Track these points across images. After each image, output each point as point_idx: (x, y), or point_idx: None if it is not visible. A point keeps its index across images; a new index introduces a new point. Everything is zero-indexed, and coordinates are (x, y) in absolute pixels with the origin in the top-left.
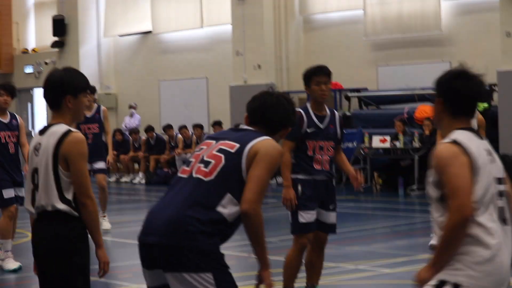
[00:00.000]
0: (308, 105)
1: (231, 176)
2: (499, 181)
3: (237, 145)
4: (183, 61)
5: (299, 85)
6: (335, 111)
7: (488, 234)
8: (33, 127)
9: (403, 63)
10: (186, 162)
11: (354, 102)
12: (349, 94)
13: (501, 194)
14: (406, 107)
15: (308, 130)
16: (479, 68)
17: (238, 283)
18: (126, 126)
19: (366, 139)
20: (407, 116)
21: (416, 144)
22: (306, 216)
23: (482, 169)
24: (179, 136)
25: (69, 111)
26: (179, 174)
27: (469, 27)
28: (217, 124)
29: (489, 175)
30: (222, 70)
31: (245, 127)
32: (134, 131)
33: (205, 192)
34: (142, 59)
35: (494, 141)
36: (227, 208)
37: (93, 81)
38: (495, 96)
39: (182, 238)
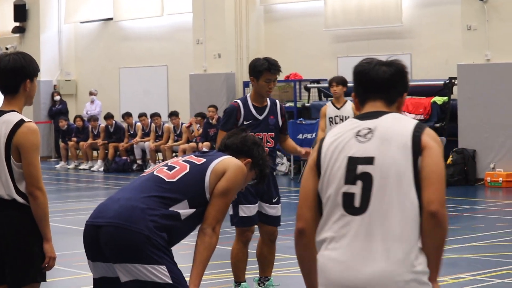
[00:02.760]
0: (248, 97)
1: (193, 185)
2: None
3: (204, 160)
4: (143, 48)
5: None
6: (276, 101)
7: None
8: None
9: (363, 55)
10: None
11: (314, 93)
12: (309, 85)
13: None
14: None
15: (245, 123)
16: (440, 61)
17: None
18: (87, 113)
19: None
20: None
21: None
22: (247, 210)
23: None
24: (138, 124)
25: (24, 96)
26: (138, 176)
27: (430, 19)
28: (173, 114)
29: None
30: (182, 58)
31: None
32: (93, 118)
33: (163, 190)
34: (102, 46)
35: (453, 135)
36: (181, 209)
37: (53, 67)
38: (455, 89)
39: (132, 222)
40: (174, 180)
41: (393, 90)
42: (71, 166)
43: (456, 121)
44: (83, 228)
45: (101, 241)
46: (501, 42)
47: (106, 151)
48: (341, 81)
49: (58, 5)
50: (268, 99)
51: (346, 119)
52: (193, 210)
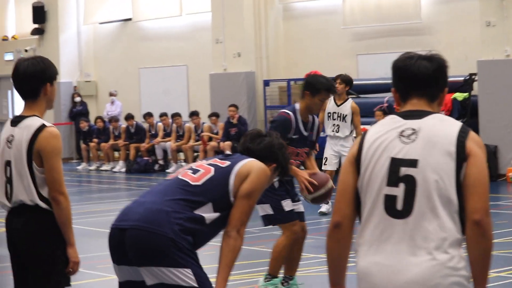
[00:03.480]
0: (297, 109)
1: (217, 187)
2: None
3: (228, 163)
4: (162, 48)
5: (279, 73)
6: (315, 117)
7: None
8: (13, 114)
9: (383, 52)
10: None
11: None
12: None
13: None
14: (386, 96)
15: (293, 137)
16: (459, 57)
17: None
18: (108, 114)
19: None
20: (387, 105)
21: None
22: (289, 204)
23: None
24: (159, 124)
25: (45, 100)
26: (164, 179)
27: (449, 16)
28: (194, 114)
29: None
30: (201, 58)
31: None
32: (114, 119)
33: (188, 193)
34: (122, 46)
35: (474, 131)
36: (206, 212)
37: (73, 68)
38: (475, 85)
39: (158, 225)
40: (199, 183)
41: (435, 85)
42: (93, 167)
43: (477, 117)
44: (108, 231)
45: (126, 244)
46: None
47: (128, 151)
48: (346, 80)
49: (77, 6)
50: (309, 115)
51: (344, 117)
52: (217, 214)
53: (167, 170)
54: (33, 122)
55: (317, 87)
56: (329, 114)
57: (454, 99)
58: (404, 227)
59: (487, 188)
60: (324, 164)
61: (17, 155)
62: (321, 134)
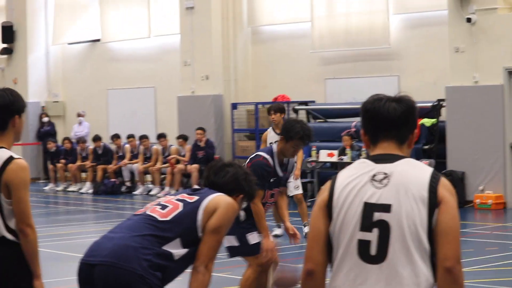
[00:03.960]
0: (274, 152)
1: (185, 223)
2: None
3: (196, 197)
4: (131, 70)
5: (247, 96)
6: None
7: None
8: None
9: (351, 76)
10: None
11: (302, 115)
12: (297, 107)
13: None
14: (354, 121)
15: (271, 180)
16: (428, 83)
17: None
18: (75, 134)
19: (314, 153)
20: (354, 130)
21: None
22: (254, 237)
23: None
24: (127, 146)
25: (13, 132)
26: (133, 213)
27: (418, 41)
28: (162, 136)
29: None
30: (170, 80)
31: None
32: (81, 140)
33: (156, 229)
34: (90, 67)
35: (442, 156)
36: (174, 248)
37: (41, 88)
38: (443, 111)
39: (126, 261)
40: (168, 218)
41: (405, 127)
42: (60, 188)
43: (444, 143)
44: (73, 255)
45: (95, 279)
46: (489, 64)
47: (95, 173)
48: (279, 108)
49: (45, 26)
50: None
51: None
52: (186, 250)
53: (134, 192)
54: (1, 154)
55: (290, 134)
56: (271, 144)
57: (422, 124)
58: (379, 273)
59: (459, 235)
60: None
61: None
62: None
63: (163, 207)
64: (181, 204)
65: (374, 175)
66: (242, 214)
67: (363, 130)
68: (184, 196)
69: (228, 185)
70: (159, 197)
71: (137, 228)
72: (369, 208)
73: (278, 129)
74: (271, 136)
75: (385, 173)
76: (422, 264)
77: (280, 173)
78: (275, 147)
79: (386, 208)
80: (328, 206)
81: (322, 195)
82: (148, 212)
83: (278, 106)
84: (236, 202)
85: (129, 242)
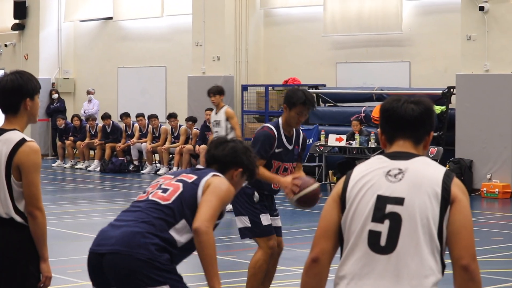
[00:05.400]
0: (280, 123)
1: (187, 203)
2: None
3: (195, 177)
4: (142, 49)
5: (257, 78)
6: (300, 131)
7: None
8: None
9: (362, 61)
10: (143, 191)
11: None
12: (307, 90)
13: None
14: (364, 106)
15: (276, 150)
16: (438, 70)
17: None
18: (85, 112)
19: (322, 137)
20: (364, 115)
21: (372, 144)
22: (267, 219)
23: None
24: (136, 125)
25: (26, 114)
26: (136, 199)
27: (430, 28)
28: (172, 116)
29: None
30: (181, 60)
31: (202, 167)
32: (91, 117)
33: (160, 214)
34: (101, 45)
35: (451, 144)
36: (179, 233)
37: (52, 65)
38: (453, 99)
39: (134, 247)
40: (170, 201)
41: (422, 128)
42: (68, 165)
43: (453, 131)
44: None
45: (104, 268)
46: (500, 53)
47: (103, 151)
48: (217, 91)
49: (58, 3)
50: (294, 129)
51: (220, 123)
52: (190, 236)
53: (142, 171)
54: (13, 136)
55: (293, 100)
56: (213, 123)
57: None
58: (387, 263)
59: (472, 233)
60: None
61: None
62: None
63: (164, 190)
64: (181, 185)
65: (389, 171)
66: (256, 195)
67: (380, 130)
68: (184, 176)
69: (226, 157)
70: (159, 179)
71: (142, 215)
72: (382, 201)
73: (217, 109)
74: (212, 116)
75: (400, 169)
76: (431, 258)
77: (289, 146)
78: (280, 119)
79: (399, 201)
80: (342, 198)
81: (336, 188)
82: (151, 198)
83: (217, 89)
84: (235, 176)
85: (135, 228)
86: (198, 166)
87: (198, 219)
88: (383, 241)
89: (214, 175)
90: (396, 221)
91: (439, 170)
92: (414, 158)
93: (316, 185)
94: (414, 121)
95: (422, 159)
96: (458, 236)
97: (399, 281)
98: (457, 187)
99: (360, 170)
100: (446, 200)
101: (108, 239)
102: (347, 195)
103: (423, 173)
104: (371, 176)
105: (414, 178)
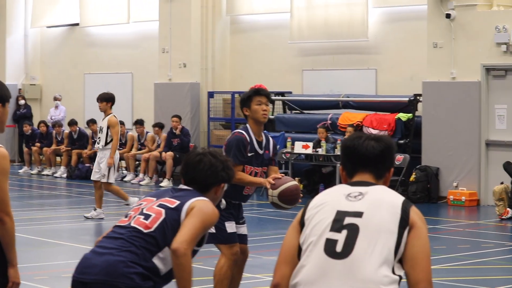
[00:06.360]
0: (249, 128)
1: (170, 231)
2: None
3: (177, 202)
4: (109, 55)
5: (223, 85)
6: (269, 137)
7: None
8: None
9: (328, 68)
10: (125, 215)
11: (278, 106)
12: (273, 97)
13: None
14: (330, 113)
15: (249, 155)
16: (405, 77)
17: None
18: (51, 118)
19: (289, 144)
20: (330, 122)
21: (338, 151)
22: (232, 226)
23: None
24: None
25: None
26: (117, 224)
27: (397, 35)
28: (138, 123)
29: None
30: (147, 66)
31: (184, 187)
32: (57, 123)
33: (143, 242)
34: (68, 51)
35: (417, 152)
36: (162, 261)
37: (18, 71)
38: (420, 106)
39: (118, 277)
40: (152, 229)
41: (382, 165)
42: (34, 171)
43: (420, 138)
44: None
45: None
46: (467, 61)
47: (70, 157)
48: (104, 98)
49: (25, 9)
50: (263, 134)
51: (101, 130)
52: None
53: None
54: None
55: (245, 97)
56: (98, 129)
57: (398, 119)
58: (342, 268)
59: (430, 260)
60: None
61: None
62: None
63: (146, 216)
64: (163, 211)
65: (349, 193)
66: (223, 202)
67: (342, 166)
68: (166, 200)
69: (208, 179)
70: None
71: (125, 243)
72: (341, 214)
73: (104, 115)
74: (100, 122)
75: (360, 192)
76: (386, 267)
77: (259, 150)
78: (248, 125)
79: (358, 214)
80: (301, 222)
81: (297, 216)
82: (133, 224)
83: (104, 95)
84: (218, 192)
85: (118, 257)
86: (181, 187)
87: (177, 240)
88: (339, 248)
89: (196, 199)
90: (353, 230)
91: (399, 197)
92: (374, 185)
93: (295, 182)
94: (375, 158)
95: (382, 187)
96: (416, 261)
97: (353, 285)
98: (416, 214)
99: (319, 197)
100: (405, 221)
101: (91, 267)
102: (306, 217)
103: (383, 197)
104: (331, 198)
105: (374, 200)
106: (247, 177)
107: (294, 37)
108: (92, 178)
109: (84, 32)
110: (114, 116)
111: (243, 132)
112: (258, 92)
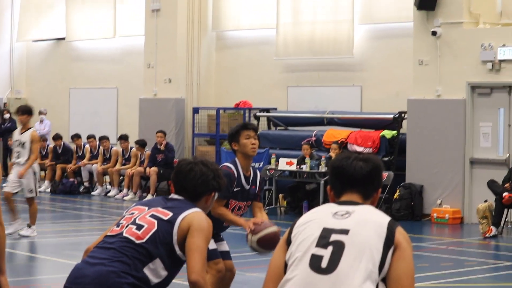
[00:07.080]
0: (238, 163)
1: (162, 242)
2: None
3: (170, 214)
4: (94, 70)
5: (208, 101)
6: (257, 171)
7: None
8: None
9: (314, 85)
10: (116, 224)
11: (263, 122)
12: (258, 113)
13: None
14: (315, 130)
15: (235, 189)
16: (390, 94)
17: None
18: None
19: (273, 161)
20: (315, 139)
21: (323, 168)
22: (212, 243)
23: None
24: (87, 146)
25: None
26: (109, 233)
27: (382, 53)
28: (123, 138)
29: None
30: (133, 81)
31: (175, 196)
32: (42, 138)
33: (134, 253)
34: (54, 65)
35: (401, 169)
36: (153, 272)
37: (4, 85)
38: (404, 123)
39: (109, 287)
40: (144, 240)
41: (370, 186)
42: None
43: (404, 156)
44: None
45: None
46: (452, 78)
47: (54, 171)
48: (25, 110)
49: (11, 22)
50: (251, 168)
51: (23, 144)
52: (166, 273)
53: (92, 193)
54: None
55: (233, 132)
56: (15, 144)
57: (383, 136)
58: (326, 283)
59: (413, 281)
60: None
61: None
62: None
63: (139, 227)
64: (156, 222)
65: (336, 212)
66: None
67: (330, 186)
68: (159, 211)
69: (199, 188)
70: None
71: (116, 253)
72: (327, 231)
73: (23, 129)
74: (15, 135)
75: (347, 211)
76: (370, 283)
77: (246, 186)
78: (237, 159)
79: (344, 231)
80: (288, 240)
81: (284, 235)
82: (124, 234)
83: (25, 108)
84: (209, 200)
85: (110, 268)
86: (172, 196)
87: (194, 270)
88: (324, 264)
89: (190, 213)
90: (339, 247)
91: (385, 217)
92: (362, 205)
93: (276, 227)
94: (363, 179)
95: (369, 207)
96: (399, 282)
97: None
98: (401, 235)
99: (306, 215)
100: (391, 240)
101: (83, 277)
102: (292, 235)
103: (370, 216)
104: (318, 216)
105: (360, 218)
106: (229, 215)
107: (280, 53)
108: (12, 191)
109: (70, 47)
110: (36, 130)
111: (231, 166)
112: (246, 126)
